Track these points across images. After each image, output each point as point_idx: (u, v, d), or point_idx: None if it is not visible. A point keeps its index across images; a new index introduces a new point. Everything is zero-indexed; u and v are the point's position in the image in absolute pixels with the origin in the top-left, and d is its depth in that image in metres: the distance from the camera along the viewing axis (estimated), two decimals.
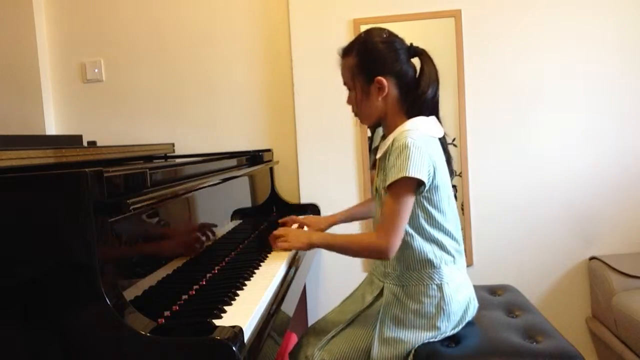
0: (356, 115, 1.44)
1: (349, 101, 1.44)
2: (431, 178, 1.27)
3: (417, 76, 1.37)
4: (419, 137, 1.27)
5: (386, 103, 1.36)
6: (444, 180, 1.33)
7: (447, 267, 1.34)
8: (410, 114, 1.36)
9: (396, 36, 1.39)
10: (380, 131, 1.48)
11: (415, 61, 1.40)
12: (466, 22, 2.33)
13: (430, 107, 1.37)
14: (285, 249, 1.56)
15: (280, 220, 1.80)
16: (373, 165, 1.47)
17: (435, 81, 1.37)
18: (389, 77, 1.34)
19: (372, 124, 1.45)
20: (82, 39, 2.58)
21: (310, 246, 1.46)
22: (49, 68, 2.57)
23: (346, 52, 1.41)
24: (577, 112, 2.34)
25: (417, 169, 1.22)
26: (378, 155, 1.40)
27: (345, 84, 1.44)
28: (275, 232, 1.56)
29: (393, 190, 1.26)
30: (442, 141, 1.38)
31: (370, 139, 2.34)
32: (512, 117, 2.35)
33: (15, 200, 0.92)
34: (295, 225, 1.76)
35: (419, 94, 1.34)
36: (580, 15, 2.31)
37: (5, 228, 0.92)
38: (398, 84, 1.36)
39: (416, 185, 1.27)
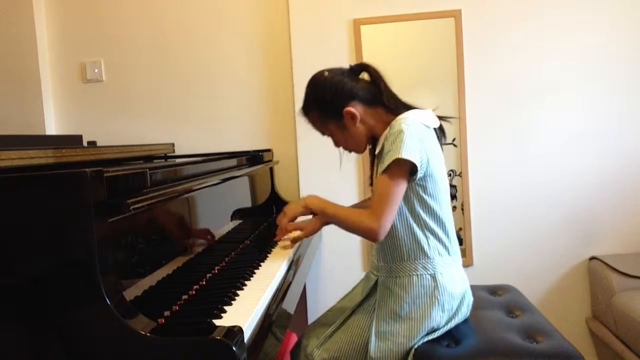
0: (350, 151, 1.50)
1: (337, 145, 1.50)
2: (425, 165, 1.29)
3: (373, 86, 1.42)
4: (413, 123, 1.30)
5: (366, 122, 1.42)
6: (438, 170, 1.34)
7: (441, 258, 1.35)
8: (396, 112, 1.38)
9: (334, 68, 1.46)
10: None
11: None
12: (466, 22, 2.34)
13: (403, 103, 1.42)
14: (287, 217, 1.57)
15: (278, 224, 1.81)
16: (371, 181, 1.49)
17: (384, 82, 1.42)
18: (352, 102, 1.40)
19: (366, 147, 1.49)
20: (82, 39, 2.58)
21: (307, 208, 1.49)
22: (49, 68, 2.58)
23: (306, 110, 1.48)
24: (577, 111, 2.34)
25: (410, 152, 1.25)
26: (377, 151, 1.41)
27: (323, 134, 1.50)
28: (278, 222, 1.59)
29: (386, 173, 1.28)
30: (437, 132, 1.41)
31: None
32: (512, 117, 2.35)
33: (15, 200, 0.92)
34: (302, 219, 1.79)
35: (384, 97, 1.39)
36: (580, 15, 2.31)
37: (5, 228, 0.92)
38: (363, 102, 1.41)
39: (409, 170, 1.28)
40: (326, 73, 1.44)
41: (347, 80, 1.41)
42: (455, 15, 2.33)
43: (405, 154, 1.24)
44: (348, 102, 1.39)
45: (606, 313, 2.18)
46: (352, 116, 1.39)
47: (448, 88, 2.36)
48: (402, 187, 1.29)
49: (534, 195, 2.36)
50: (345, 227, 1.43)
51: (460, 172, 2.37)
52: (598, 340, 2.30)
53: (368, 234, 1.32)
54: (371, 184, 1.51)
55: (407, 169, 1.28)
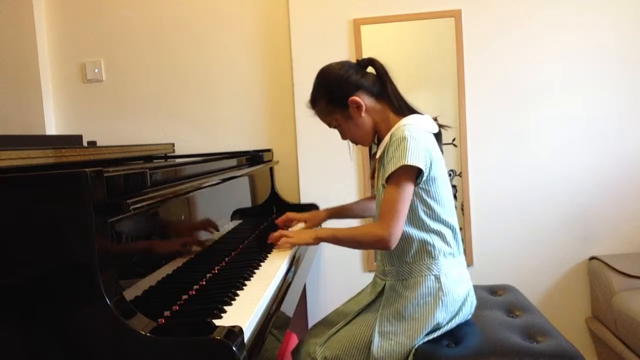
0: (356, 143, 1.51)
1: (343, 137, 1.51)
2: (428, 169, 1.30)
3: (379, 80, 1.44)
4: (415, 130, 1.32)
5: (371, 115, 1.43)
6: (441, 173, 1.36)
7: (446, 259, 1.36)
8: (400, 113, 1.41)
9: (342, 61, 1.48)
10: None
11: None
12: (466, 22, 2.33)
13: (407, 103, 1.43)
14: (292, 244, 1.58)
15: (277, 221, 1.80)
16: (372, 174, 1.49)
17: (389, 77, 1.44)
18: (358, 92, 1.41)
19: (372, 140, 1.50)
20: (82, 39, 2.58)
21: (318, 240, 1.49)
22: (49, 68, 2.57)
23: (313, 101, 1.50)
24: (577, 111, 2.34)
25: (415, 158, 1.27)
26: (377, 155, 1.43)
27: (329, 125, 1.51)
28: (280, 232, 1.58)
29: (393, 180, 1.29)
30: (437, 137, 1.43)
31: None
32: (512, 117, 2.35)
33: (15, 200, 0.92)
34: (300, 225, 1.79)
35: (389, 93, 1.41)
36: (580, 15, 2.31)
37: (5, 228, 0.92)
38: (369, 94, 1.43)
39: (415, 175, 1.30)
40: (334, 64, 1.47)
41: (353, 72, 1.43)
42: (455, 15, 2.33)
43: (411, 160, 1.26)
44: (354, 92, 1.41)
45: (606, 313, 2.18)
46: (358, 106, 1.41)
47: (448, 88, 2.36)
48: (409, 193, 1.30)
49: (534, 195, 2.36)
50: (358, 245, 1.44)
51: (460, 172, 2.37)
52: (598, 340, 2.30)
53: (380, 244, 1.32)
54: (372, 183, 1.52)
55: (413, 175, 1.30)
